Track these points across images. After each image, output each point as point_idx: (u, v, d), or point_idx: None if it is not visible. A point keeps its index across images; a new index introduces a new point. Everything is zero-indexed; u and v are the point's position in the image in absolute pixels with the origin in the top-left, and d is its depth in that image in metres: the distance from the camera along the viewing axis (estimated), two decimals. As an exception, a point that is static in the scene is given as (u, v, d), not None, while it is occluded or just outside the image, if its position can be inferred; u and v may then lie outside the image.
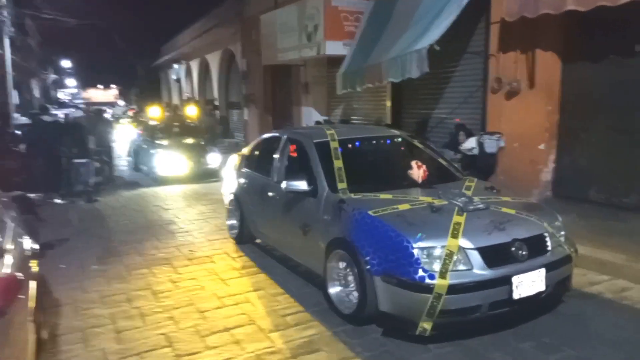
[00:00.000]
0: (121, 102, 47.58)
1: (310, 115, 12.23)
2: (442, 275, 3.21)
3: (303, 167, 4.71)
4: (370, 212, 3.69)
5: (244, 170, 6.02)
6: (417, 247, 3.31)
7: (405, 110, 9.71)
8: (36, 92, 32.71)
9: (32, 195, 7.73)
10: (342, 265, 3.91)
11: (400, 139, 5.26)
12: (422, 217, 3.62)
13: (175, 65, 24.84)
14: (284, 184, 4.42)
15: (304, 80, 12.29)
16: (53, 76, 44.92)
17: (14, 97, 18.97)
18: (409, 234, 3.37)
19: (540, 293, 3.48)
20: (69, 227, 7.14)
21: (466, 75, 8.07)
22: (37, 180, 8.80)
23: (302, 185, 4.32)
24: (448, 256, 3.26)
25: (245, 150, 6.38)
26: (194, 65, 22.55)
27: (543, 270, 3.46)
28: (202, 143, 11.87)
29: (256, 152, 6.02)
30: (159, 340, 3.71)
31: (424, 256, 3.30)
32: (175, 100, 26.64)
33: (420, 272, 3.24)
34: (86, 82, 60.17)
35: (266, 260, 5.46)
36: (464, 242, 3.33)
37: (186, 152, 11.08)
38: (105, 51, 50.16)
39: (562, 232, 3.86)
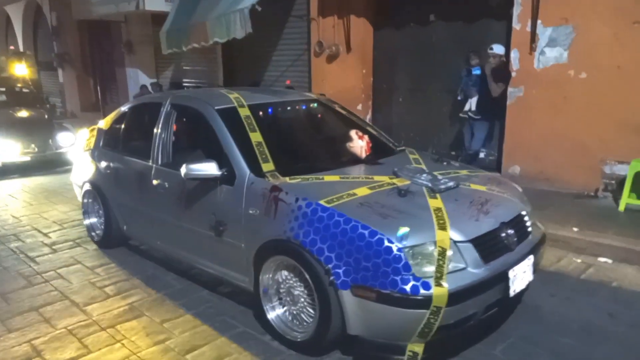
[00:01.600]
0: None
1: (136, 78, 11.36)
2: (439, 281, 2.42)
3: (204, 143, 3.61)
4: (323, 202, 2.72)
5: (105, 150, 4.53)
6: (403, 247, 2.46)
7: (237, 73, 9.63)
8: None
9: None
10: (284, 276, 2.93)
11: (316, 104, 4.26)
12: (393, 204, 2.74)
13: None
14: (183, 169, 3.12)
15: (127, 38, 11.29)
16: None
17: None
18: (388, 230, 2.50)
19: (528, 285, 2.94)
20: None
21: (293, 38, 8.28)
22: None
23: (210, 169, 3.13)
24: (441, 255, 2.48)
25: (103, 123, 4.73)
26: (-9, 18, 19.00)
27: (531, 257, 2.90)
28: (47, 117, 8.83)
29: (121, 126, 4.50)
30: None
31: (412, 258, 2.47)
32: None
33: (412, 282, 2.41)
34: None
35: (150, 269, 4.09)
36: (453, 234, 2.57)
37: (24, 131, 7.91)
38: None
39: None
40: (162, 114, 3.88)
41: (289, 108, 4.11)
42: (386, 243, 2.47)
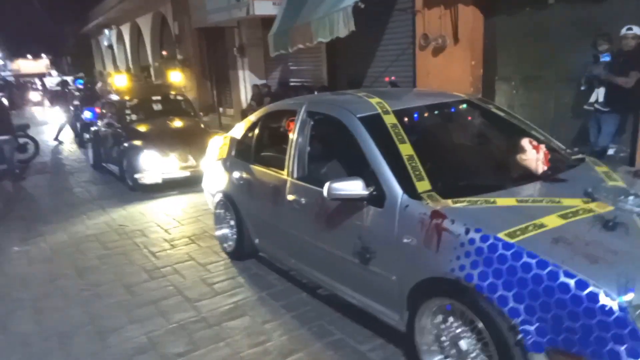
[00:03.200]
0: (54, 72, 44.69)
1: (247, 80, 11.95)
2: None
3: (346, 156, 3.28)
4: (503, 236, 2.19)
5: (237, 160, 4.34)
6: (627, 306, 1.86)
7: (340, 71, 9.66)
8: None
9: None
10: (449, 323, 2.46)
11: (466, 105, 3.63)
12: (601, 241, 2.13)
13: (106, 31, 23.38)
14: (326, 188, 2.76)
15: (239, 42, 11.92)
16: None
17: None
18: (603, 280, 1.91)
19: None
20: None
21: (397, 32, 8.06)
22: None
23: (356, 188, 2.73)
24: None
25: (236, 132, 4.54)
26: (125, 30, 21.33)
27: None
28: (202, 126, 8.17)
29: (254, 134, 4.22)
30: (82, 318, 3.63)
31: None
32: (110, 68, 25.25)
33: None
34: (13, 52, 55.90)
35: (254, 268, 4.22)
36: None
37: (182, 144, 7.19)
38: (29, 18, 46.50)
39: None
40: (298, 122, 3.55)
41: (438, 112, 3.54)
42: (602, 299, 1.86)
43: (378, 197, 2.72)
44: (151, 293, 3.95)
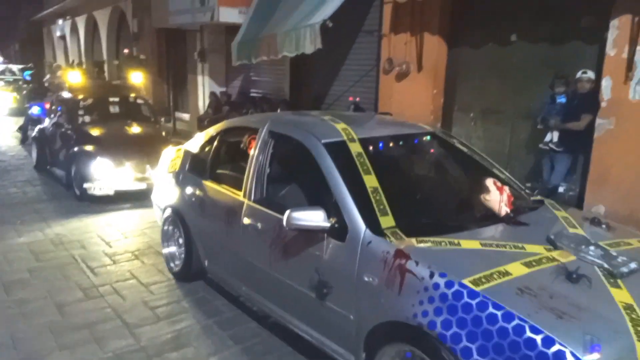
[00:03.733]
0: (-1, 58, 42.09)
1: (206, 86, 11.63)
2: None
3: (307, 182, 3.17)
4: (468, 283, 2.10)
5: (190, 175, 4.09)
6: None
7: (303, 85, 9.57)
8: None
9: None
10: None
11: (430, 137, 3.51)
12: (564, 294, 2.09)
13: (60, 21, 22.29)
14: (286, 217, 2.61)
15: (200, 47, 11.60)
16: None
17: None
18: (568, 338, 1.85)
19: None
20: None
21: (362, 53, 8.08)
22: None
23: (317, 218, 2.59)
24: None
25: (191, 145, 4.31)
26: (81, 22, 20.39)
27: None
28: (163, 134, 7.64)
29: (210, 149, 4.03)
30: (3, 339, 3.27)
31: None
32: (61, 61, 24.03)
33: None
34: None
35: (200, 291, 3.95)
36: None
37: (140, 152, 6.51)
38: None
39: None
40: (258, 141, 3.36)
41: (403, 143, 3.40)
42: (569, 358, 1.78)
43: (339, 229, 2.59)
44: (86, 315, 3.63)
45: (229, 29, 10.19)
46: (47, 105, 8.73)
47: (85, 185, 6.33)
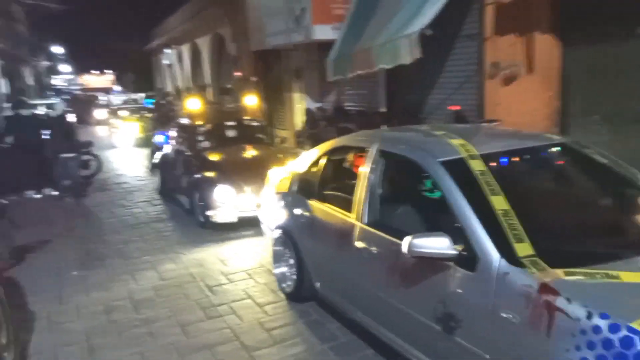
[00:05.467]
0: (117, 88, 46.95)
1: (302, 102, 11.90)
2: None
3: (425, 204, 3.09)
4: (639, 327, 1.80)
5: (299, 197, 4.08)
6: None
7: (399, 96, 9.37)
8: (29, 80, 32.12)
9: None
10: None
11: (559, 148, 3.16)
12: None
13: (166, 50, 24.29)
14: (406, 243, 2.43)
15: (295, 65, 11.91)
16: (46, 63, 44.21)
17: (2, 86, 18.47)
18: None
19: None
20: (52, 226, 6.89)
21: (461, 59, 7.71)
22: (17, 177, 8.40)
23: (441, 245, 2.38)
24: None
25: (297, 165, 4.34)
26: (185, 50, 22.05)
27: None
28: (280, 156, 7.09)
29: (318, 170, 3.96)
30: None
31: None
32: (169, 87, 26.15)
33: None
34: (80, 68, 59.54)
35: (313, 313, 3.92)
36: None
37: (260, 176, 5.60)
38: (97, 36, 49.45)
39: None
40: (369, 161, 3.24)
41: (530, 158, 3.06)
42: None
43: (468, 258, 2.36)
44: (207, 335, 3.77)
45: (322, 45, 10.31)
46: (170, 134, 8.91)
47: (208, 213, 6.26)
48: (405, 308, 2.79)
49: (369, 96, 10.10)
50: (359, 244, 3.15)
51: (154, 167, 9.64)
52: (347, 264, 3.33)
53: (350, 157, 3.98)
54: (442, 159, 2.79)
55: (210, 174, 6.62)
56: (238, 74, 15.32)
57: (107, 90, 41.51)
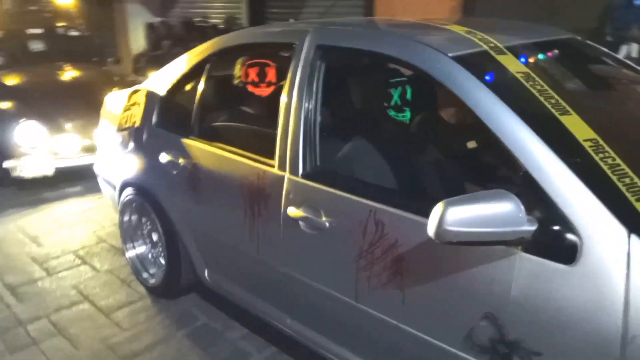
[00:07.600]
0: None
1: (136, 16, 9.46)
2: None
3: (413, 137, 2.00)
4: None
5: (163, 132, 2.47)
6: None
7: (265, 6, 7.79)
8: None
9: None
10: None
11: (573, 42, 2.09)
12: None
13: None
14: (437, 221, 1.16)
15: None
16: None
17: None
18: None
19: None
20: None
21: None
22: None
23: (512, 217, 1.16)
24: None
25: (157, 83, 2.62)
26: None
27: None
28: (117, 79, 5.18)
29: (197, 88, 2.34)
30: None
31: None
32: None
33: None
34: None
35: (201, 315, 2.50)
36: None
37: (83, 109, 4.30)
38: None
39: None
40: (298, 69, 1.82)
41: (569, 55, 2.02)
42: None
43: (555, 238, 1.18)
44: None
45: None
46: None
47: (7, 165, 4.16)
48: (407, 327, 1.50)
49: (225, 7, 8.31)
50: (292, 212, 1.75)
51: None
52: (269, 245, 1.92)
53: (238, 69, 2.40)
54: (454, 54, 1.50)
55: (6, 105, 4.41)
56: None
57: None
